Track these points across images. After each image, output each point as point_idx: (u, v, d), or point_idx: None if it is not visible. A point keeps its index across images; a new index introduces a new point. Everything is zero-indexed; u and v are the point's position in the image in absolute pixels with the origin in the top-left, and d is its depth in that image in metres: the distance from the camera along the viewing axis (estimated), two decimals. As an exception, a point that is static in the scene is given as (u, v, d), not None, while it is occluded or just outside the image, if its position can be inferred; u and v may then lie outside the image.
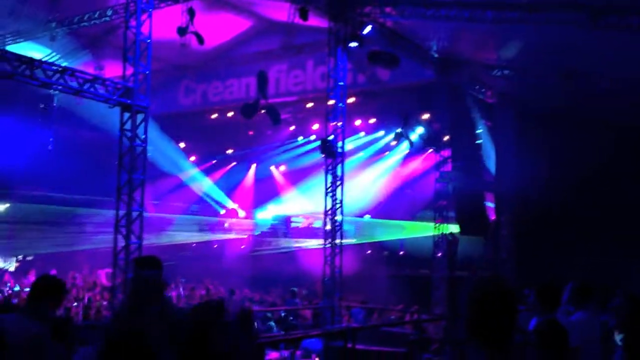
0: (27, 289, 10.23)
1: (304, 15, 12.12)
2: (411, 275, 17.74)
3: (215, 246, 23.54)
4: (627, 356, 4.72)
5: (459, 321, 10.80)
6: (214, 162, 24.27)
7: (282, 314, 12.85)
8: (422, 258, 17.31)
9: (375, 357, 8.75)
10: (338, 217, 13.31)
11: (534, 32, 12.26)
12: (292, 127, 21.25)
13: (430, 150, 17.84)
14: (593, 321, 5.24)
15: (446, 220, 16.27)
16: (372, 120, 19.65)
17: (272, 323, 11.43)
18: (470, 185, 16.15)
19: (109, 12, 14.30)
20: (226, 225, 24.16)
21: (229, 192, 24.57)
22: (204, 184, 23.81)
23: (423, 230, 17.76)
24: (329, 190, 13.32)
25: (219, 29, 17.13)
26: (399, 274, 18.07)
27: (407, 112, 16.37)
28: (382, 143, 20.51)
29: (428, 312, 14.32)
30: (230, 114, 20.29)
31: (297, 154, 22.27)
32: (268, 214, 24.49)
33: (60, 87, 9.85)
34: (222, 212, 24.68)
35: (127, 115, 10.35)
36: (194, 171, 23.56)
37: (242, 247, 23.21)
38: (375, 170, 20.79)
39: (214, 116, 21.27)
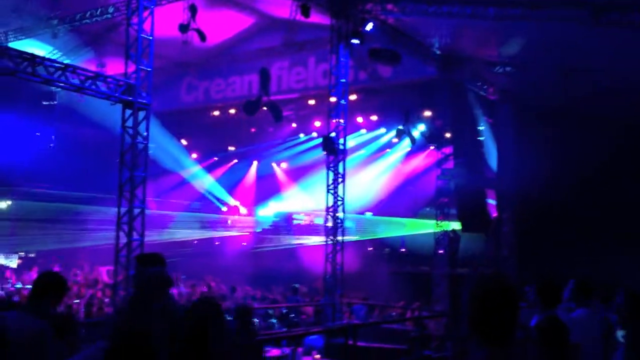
0: (29, 286, 10.26)
1: (305, 12, 12.11)
2: (412, 272, 17.75)
3: (216, 243, 23.57)
4: (629, 353, 4.73)
5: (460, 318, 10.81)
6: (215, 159, 24.29)
7: (284, 311, 12.86)
8: (423, 255, 17.33)
9: (376, 354, 8.77)
10: (339, 215, 13.31)
11: (535, 29, 12.24)
12: (294, 124, 21.25)
13: (432, 147, 17.83)
14: (594, 318, 5.25)
15: (447, 217, 16.27)
16: (374, 118, 19.64)
17: (274, 320, 11.45)
18: (472, 182, 16.14)
19: (111, 9, 14.30)
20: (228, 222, 24.18)
21: (231, 189, 24.60)
22: (206, 181, 23.83)
23: (424, 227, 17.78)
24: (331, 187, 13.33)
25: (221, 26, 17.12)
26: (400, 271, 18.08)
27: (409, 109, 16.36)
28: (383, 140, 20.51)
29: (429, 309, 14.33)
30: (232, 111, 20.30)
31: (298, 151, 22.28)
32: (269, 211, 24.52)
33: (62, 85, 9.86)
34: (224, 209, 24.71)
35: (128, 112, 10.36)
36: (196, 168, 23.58)
37: (244, 244, 23.24)
38: (377, 167, 20.79)
39: (215, 113, 21.28)
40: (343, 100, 13.45)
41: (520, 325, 2.82)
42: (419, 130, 17.51)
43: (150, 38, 10.55)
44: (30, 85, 12.39)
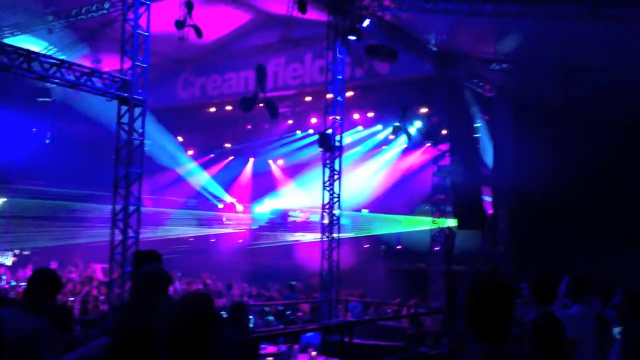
0: (24, 284, 10.23)
1: (302, 9, 12.07)
2: (408, 269, 17.78)
3: (212, 240, 23.55)
4: (625, 350, 4.75)
5: (456, 315, 10.84)
6: (212, 156, 24.26)
7: (280, 308, 12.86)
8: (420, 252, 17.35)
9: (372, 351, 8.77)
10: (336, 212, 13.31)
11: (533, 26, 12.24)
12: (290, 121, 21.22)
13: (428, 144, 17.84)
14: (589, 314, 5.27)
15: (444, 214, 16.29)
16: (370, 114, 19.64)
17: (271, 317, 11.44)
18: (468, 179, 16.16)
19: (107, 5, 14.24)
20: (224, 220, 24.16)
21: (227, 186, 24.57)
22: (202, 178, 23.80)
23: (420, 224, 17.79)
24: (327, 184, 13.32)
25: (217, 22, 17.08)
26: (396, 268, 18.10)
27: (405, 105, 16.36)
28: (380, 137, 20.51)
29: (425, 306, 14.37)
30: (228, 108, 20.27)
31: (295, 148, 22.26)
32: (266, 208, 24.49)
33: (57, 81, 9.82)
34: (220, 206, 24.69)
35: (124, 108, 10.33)
36: (192, 165, 23.54)
37: (240, 241, 23.22)
38: (373, 164, 20.79)
39: (212, 110, 21.24)
40: (339, 97, 13.43)
41: (516, 321, 2.83)
42: (415, 127, 17.52)
43: (146, 34, 10.52)
44: (26, 81, 12.33)
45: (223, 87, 20.32)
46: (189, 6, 11.71)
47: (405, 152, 19.82)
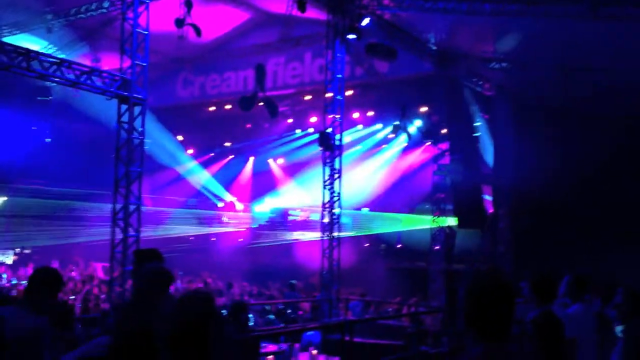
0: (24, 282, 10.23)
1: (302, 7, 12.06)
2: (409, 268, 17.78)
3: (213, 239, 23.55)
4: (628, 349, 4.76)
5: (457, 313, 10.84)
6: (211, 154, 24.26)
7: (280, 307, 12.86)
8: (420, 251, 17.35)
9: (373, 350, 8.78)
10: (336, 210, 13.31)
11: (532, 25, 12.23)
12: (290, 120, 21.22)
13: (428, 143, 17.83)
14: (589, 313, 5.28)
15: (444, 213, 16.29)
16: (370, 113, 19.63)
17: (272, 316, 11.44)
18: (468, 178, 16.15)
19: (106, 4, 14.23)
20: (224, 219, 24.16)
21: (227, 185, 24.57)
22: (202, 177, 23.80)
23: (420, 223, 17.79)
24: (327, 183, 13.32)
25: (217, 21, 17.07)
26: (396, 266, 18.11)
27: (405, 104, 16.35)
28: (380, 136, 20.51)
29: (425, 305, 14.37)
30: (228, 107, 20.26)
31: (294, 147, 22.26)
32: (266, 206, 24.50)
33: (57, 79, 9.82)
34: (220, 205, 24.69)
35: (124, 107, 10.33)
36: (192, 164, 23.54)
37: (240, 240, 23.23)
38: (373, 163, 20.79)
39: (211, 109, 21.24)
40: (339, 96, 13.43)
41: (516, 320, 2.83)
42: (415, 125, 17.51)
43: (146, 33, 10.51)
44: (25, 80, 12.32)
45: (222, 86, 20.32)
46: (189, 5, 11.70)
47: (405, 151, 19.82)
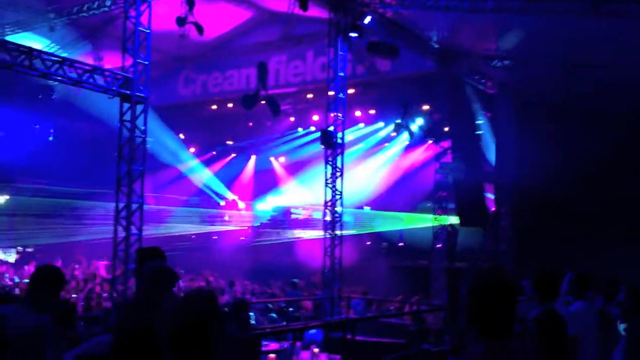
0: (27, 280, 10.25)
1: (303, 6, 12.05)
2: (410, 267, 17.77)
3: (214, 238, 23.58)
4: (630, 346, 4.76)
5: (459, 312, 10.84)
6: (213, 153, 24.27)
7: (282, 305, 12.87)
8: (422, 249, 17.35)
9: (375, 348, 8.77)
10: (338, 209, 13.31)
11: (534, 21, 12.20)
12: (292, 118, 21.23)
13: (430, 141, 17.82)
14: (592, 311, 5.27)
15: (446, 211, 16.28)
16: (372, 111, 19.62)
17: (274, 315, 11.44)
18: (470, 176, 16.14)
19: (108, 2, 14.23)
20: (226, 217, 24.18)
21: (229, 184, 24.58)
22: (204, 175, 23.81)
23: (422, 221, 17.79)
24: (329, 181, 13.31)
25: (219, 19, 17.07)
26: (398, 265, 18.10)
27: (407, 102, 16.34)
28: (382, 134, 20.50)
29: (427, 303, 14.36)
30: (230, 105, 20.26)
31: (296, 145, 22.27)
32: (268, 205, 24.51)
33: (59, 78, 9.83)
34: (222, 203, 24.70)
35: (126, 106, 10.34)
36: (194, 162, 23.56)
37: (242, 238, 23.25)
38: (375, 161, 20.79)
39: (213, 107, 21.24)
40: (341, 94, 13.42)
41: (519, 318, 2.82)
42: (417, 124, 17.49)
43: (148, 31, 10.52)
44: (28, 79, 12.34)
45: (224, 85, 20.32)
46: (190, 3, 11.71)
47: (407, 149, 19.82)
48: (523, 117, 15.67)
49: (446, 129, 16.72)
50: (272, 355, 6.60)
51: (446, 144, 16.61)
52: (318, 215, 18.40)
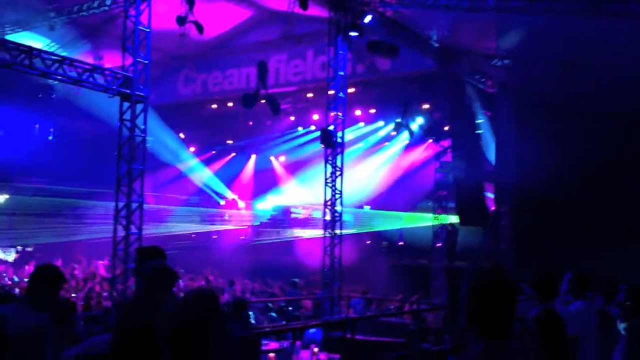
0: (26, 280, 10.25)
1: (303, 5, 12.05)
2: (410, 266, 17.77)
3: (214, 237, 23.57)
4: (630, 345, 4.76)
5: (459, 311, 10.84)
6: (213, 152, 24.26)
7: (282, 304, 12.87)
8: (422, 248, 17.35)
9: (375, 347, 8.78)
10: (338, 208, 13.30)
11: (534, 21, 12.20)
12: (292, 118, 21.22)
13: (430, 140, 17.81)
14: (591, 311, 5.27)
15: (446, 210, 16.28)
16: (372, 111, 19.61)
17: (274, 314, 11.44)
18: (470, 176, 16.14)
19: (108, 2, 14.22)
20: (226, 217, 24.18)
21: (229, 183, 24.58)
22: (204, 175, 23.81)
23: (422, 220, 17.79)
24: (329, 180, 13.31)
25: (219, 18, 17.06)
26: (398, 264, 18.10)
27: (407, 102, 16.33)
28: (382, 133, 20.49)
29: (427, 302, 14.35)
30: (230, 104, 20.25)
31: (296, 144, 22.26)
32: (268, 204, 24.51)
33: (59, 77, 9.83)
34: (222, 202, 24.70)
35: (126, 105, 10.33)
36: (194, 162, 23.55)
37: (242, 237, 23.24)
38: (375, 160, 20.78)
39: (213, 106, 21.24)
40: (341, 93, 13.41)
41: (518, 318, 2.82)
42: (417, 123, 17.49)
43: (148, 30, 10.51)
44: (28, 78, 12.33)
45: (224, 84, 20.31)
46: (190, 2, 11.70)
47: (407, 148, 19.81)
48: (523, 116, 15.67)
49: (446, 128, 16.71)
50: (272, 355, 6.60)
51: (446, 143, 16.60)
52: (318, 214, 18.40)
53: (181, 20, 11.72)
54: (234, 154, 24.58)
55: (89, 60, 13.75)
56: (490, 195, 17.25)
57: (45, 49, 13.50)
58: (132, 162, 10.28)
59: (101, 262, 17.59)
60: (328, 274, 13.07)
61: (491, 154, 16.97)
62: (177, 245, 19.56)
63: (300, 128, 21.85)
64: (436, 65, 15.59)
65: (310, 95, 19.23)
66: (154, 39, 10.76)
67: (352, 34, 13.01)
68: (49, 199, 19.30)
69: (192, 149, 23.78)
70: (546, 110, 14.50)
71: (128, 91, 10.20)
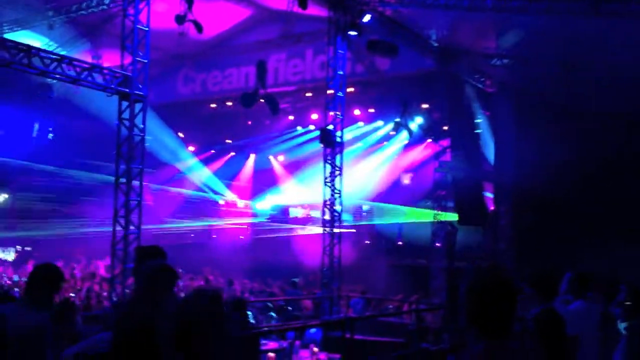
0: (25, 279, 10.20)
1: (303, 4, 12.03)
2: (410, 265, 17.78)
3: (214, 236, 23.55)
4: (631, 345, 4.76)
5: (458, 310, 10.83)
6: (212, 151, 24.24)
7: (281, 304, 12.85)
8: (421, 248, 17.36)
9: (374, 347, 8.78)
10: (337, 207, 13.30)
11: (534, 20, 12.20)
12: (291, 117, 21.20)
13: (429, 140, 17.81)
14: (591, 310, 5.26)
15: (445, 210, 16.28)
16: (371, 110, 19.60)
17: (273, 313, 11.44)
18: (469, 175, 16.15)
19: (107, 0, 14.21)
20: (224, 217, 24.16)
21: (228, 182, 24.56)
22: (203, 174, 23.79)
23: (422, 216, 17.78)
24: (328, 180, 13.30)
25: (218, 17, 17.03)
26: (397, 263, 18.11)
27: (406, 101, 16.32)
28: (381, 133, 20.48)
29: (426, 302, 14.35)
30: (229, 104, 20.24)
31: (296, 144, 22.24)
32: (267, 204, 24.50)
33: (57, 76, 9.82)
34: (221, 202, 24.69)
35: (125, 104, 10.32)
36: (193, 161, 23.53)
37: (241, 237, 23.23)
38: (374, 160, 20.77)
39: (212, 106, 21.22)
40: (340, 93, 13.41)
41: (518, 317, 2.82)
42: (416, 122, 17.47)
43: (147, 29, 10.50)
44: (27, 77, 12.31)
45: (223, 83, 20.29)
46: (189, 1, 11.68)
47: (407, 147, 19.80)
48: (522, 116, 15.67)
49: (445, 127, 16.71)
50: (272, 354, 6.60)
51: (445, 142, 16.60)
52: (317, 214, 18.39)
53: (180, 19, 11.69)
54: (233, 154, 24.57)
55: (88, 59, 13.74)
56: (489, 195, 17.26)
57: (44, 47, 13.48)
58: (130, 161, 10.27)
59: (102, 262, 17.57)
60: (327, 274, 13.06)
61: (490, 154, 16.98)
62: (176, 244, 19.54)
63: (299, 127, 21.83)
64: (435, 64, 15.59)
65: (309, 94, 19.21)
66: (153, 38, 10.74)
67: (352, 33, 13.00)
68: (48, 198, 19.29)
69: (191, 148, 23.76)
70: (546, 110, 14.50)
71: (127, 90, 10.19)
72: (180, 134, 22.33)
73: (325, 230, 13.26)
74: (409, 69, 16.17)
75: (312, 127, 20.67)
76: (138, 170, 10.38)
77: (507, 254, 16.63)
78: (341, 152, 13.48)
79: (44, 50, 10.06)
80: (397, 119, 16.63)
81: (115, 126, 10.46)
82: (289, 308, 12.68)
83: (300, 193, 22.62)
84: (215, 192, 24.31)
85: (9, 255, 20.14)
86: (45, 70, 9.49)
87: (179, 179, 23.00)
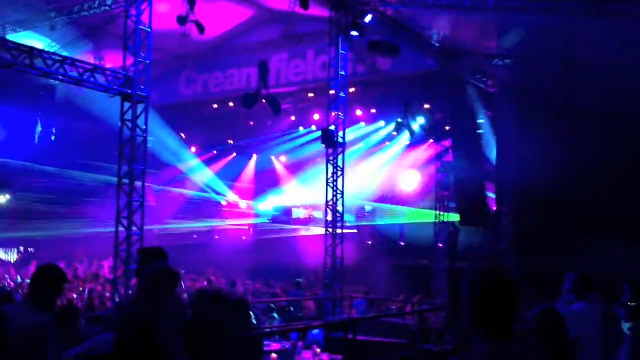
0: (29, 280, 10.23)
1: (304, 4, 12.05)
2: (412, 266, 17.77)
3: (216, 237, 23.55)
4: (635, 345, 4.76)
5: (460, 311, 10.82)
6: (214, 152, 24.25)
7: (283, 304, 12.85)
8: (423, 248, 17.34)
9: (377, 348, 8.77)
10: (339, 208, 13.30)
11: (535, 20, 12.19)
12: (293, 118, 21.20)
13: (431, 140, 17.80)
14: (593, 311, 5.26)
15: (447, 210, 16.27)
16: (373, 111, 19.59)
17: (276, 314, 11.43)
18: (471, 176, 16.13)
19: (109, 1, 14.21)
20: (226, 218, 24.16)
21: (230, 183, 24.56)
22: (205, 175, 23.80)
23: (424, 217, 17.77)
24: (330, 180, 13.31)
25: (220, 18, 17.05)
26: (399, 264, 18.10)
27: (408, 102, 16.33)
28: (383, 133, 20.46)
29: (429, 303, 14.35)
30: (231, 104, 20.25)
31: (298, 145, 22.24)
32: (269, 204, 24.49)
33: (60, 77, 9.84)
34: (223, 202, 24.69)
35: (127, 105, 10.33)
36: (195, 162, 23.54)
37: (243, 238, 23.23)
38: (376, 160, 20.76)
39: (214, 106, 21.23)
40: (342, 93, 13.41)
41: (519, 318, 2.82)
42: (418, 123, 17.47)
43: (149, 30, 10.51)
44: (29, 78, 12.34)
45: (225, 84, 20.30)
46: (191, 2, 11.70)
47: (409, 148, 19.78)
48: (524, 116, 15.65)
49: (447, 128, 16.70)
50: (274, 355, 6.61)
51: (447, 143, 16.60)
52: (319, 214, 18.38)
53: (182, 20, 11.72)
54: (235, 154, 24.58)
55: (90, 60, 13.75)
56: (491, 195, 17.24)
57: (46, 49, 13.51)
58: (133, 162, 10.28)
59: (106, 262, 17.58)
60: (329, 275, 13.06)
61: (492, 154, 16.96)
62: (178, 245, 19.55)
63: (301, 128, 21.82)
64: (437, 65, 15.59)
65: (311, 95, 19.21)
66: (155, 39, 10.76)
67: (353, 33, 13.00)
68: (51, 199, 19.30)
69: (193, 149, 23.78)
70: (547, 109, 14.49)
71: (129, 91, 10.21)
72: (183, 135, 22.36)
73: (327, 231, 13.26)
74: (410, 69, 16.17)
75: (314, 127, 20.68)
76: (140, 172, 10.40)
77: (509, 254, 16.61)
78: (343, 152, 13.48)
79: (47, 52, 10.08)
80: (399, 120, 16.63)
81: (117, 127, 10.47)
82: (292, 309, 12.68)
83: (302, 194, 22.61)
84: (218, 193, 24.30)
85: (12, 257, 20.16)
86: (48, 72, 9.50)
87: (182, 180, 23.00)
